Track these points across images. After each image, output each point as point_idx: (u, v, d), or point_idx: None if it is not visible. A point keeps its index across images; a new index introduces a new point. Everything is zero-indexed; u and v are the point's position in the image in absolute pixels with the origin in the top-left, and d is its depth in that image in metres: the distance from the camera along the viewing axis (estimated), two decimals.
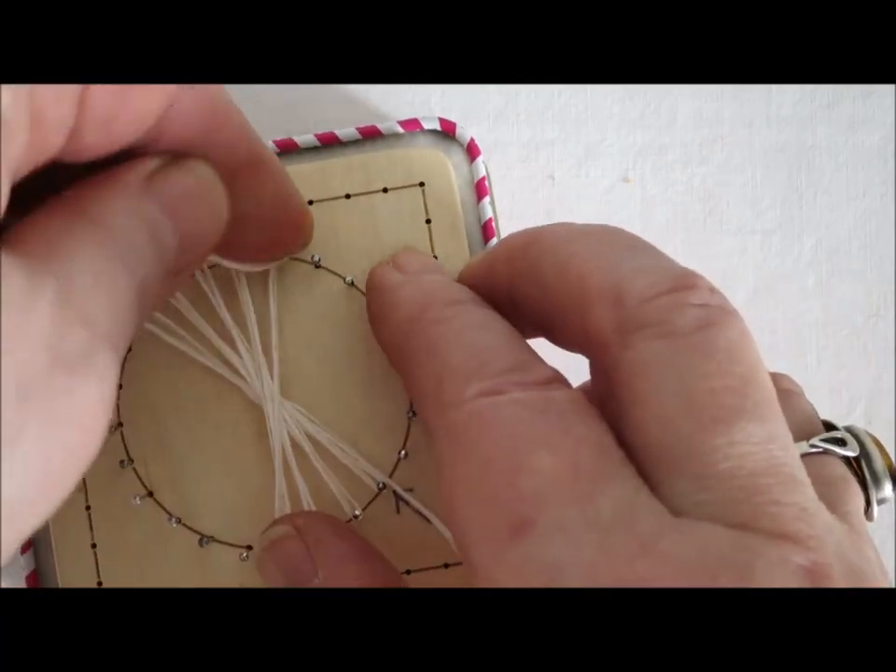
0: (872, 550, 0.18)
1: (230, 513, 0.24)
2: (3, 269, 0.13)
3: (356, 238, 0.24)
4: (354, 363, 0.24)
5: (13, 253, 0.14)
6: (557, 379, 0.18)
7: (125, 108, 0.16)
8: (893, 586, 0.17)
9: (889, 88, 0.31)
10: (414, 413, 0.24)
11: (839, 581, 0.15)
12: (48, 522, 0.24)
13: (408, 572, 0.23)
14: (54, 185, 0.16)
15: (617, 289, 0.17)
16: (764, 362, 0.17)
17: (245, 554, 0.24)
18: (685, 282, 0.17)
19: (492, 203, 0.25)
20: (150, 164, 0.17)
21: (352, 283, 0.24)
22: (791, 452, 0.16)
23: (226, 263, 0.23)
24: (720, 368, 0.16)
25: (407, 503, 0.23)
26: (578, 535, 0.15)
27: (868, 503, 0.21)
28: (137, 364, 0.24)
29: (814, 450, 0.21)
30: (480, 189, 0.25)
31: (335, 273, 0.24)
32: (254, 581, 0.23)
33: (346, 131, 0.25)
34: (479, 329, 0.19)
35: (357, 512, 0.23)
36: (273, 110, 0.29)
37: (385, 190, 0.24)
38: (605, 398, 0.18)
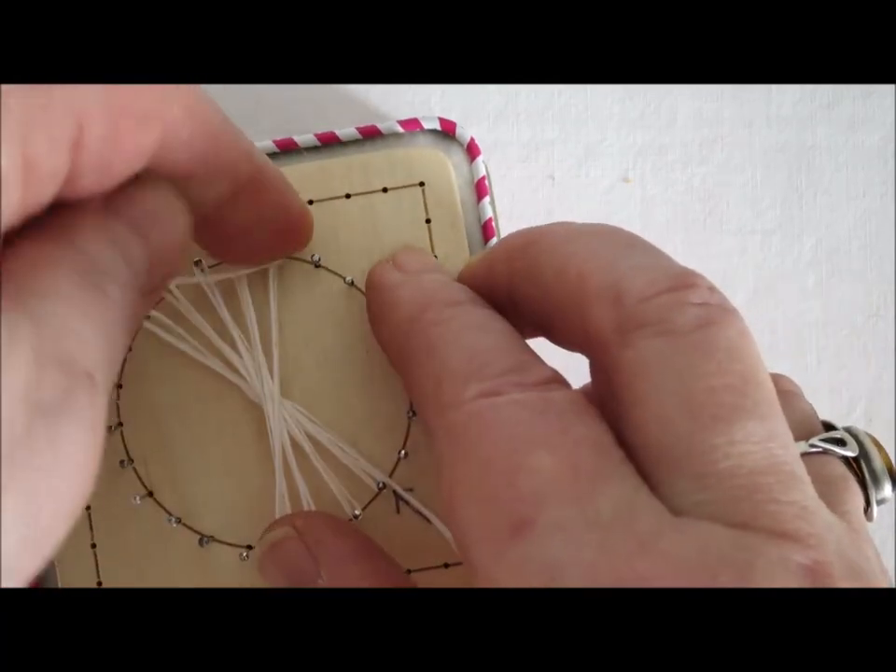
0: (871, 549, 0.18)
1: (230, 513, 0.24)
2: None
3: (356, 238, 0.24)
4: (354, 363, 0.24)
5: None
6: (556, 379, 0.18)
7: (120, 148, 0.15)
8: (893, 585, 0.17)
9: (889, 88, 0.31)
10: (414, 413, 0.24)
11: (839, 579, 0.15)
12: None
13: (408, 572, 0.23)
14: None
15: (616, 288, 0.17)
16: (764, 362, 0.17)
17: (245, 554, 0.24)
18: (685, 281, 0.17)
19: (492, 202, 0.25)
20: None
21: (352, 283, 0.24)
22: (791, 450, 0.16)
23: (226, 264, 0.23)
24: (719, 367, 0.16)
25: (407, 503, 0.23)
26: (577, 534, 0.15)
27: (868, 503, 0.21)
28: (137, 364, 0.24)
29: (813, 450, 0.21)
30: (480, 189, 0.25)
31: (335, 273, 0.24)
32: (254, 581, 0.23)
33: (346, 131, 0.25)
34: (478, 330, 0.19)
35: (357, 512, 0.23)
36: (273, 110, 0.29)
37: (384, 190, 0.24)
38: (605, 398, 0.18)
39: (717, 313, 0.17)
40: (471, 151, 0.25)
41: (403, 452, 0.24)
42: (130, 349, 0.24)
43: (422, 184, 0.24)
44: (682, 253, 0.22)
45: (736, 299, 0.23)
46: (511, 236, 0.21)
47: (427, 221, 0.24)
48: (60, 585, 0.24)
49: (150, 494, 0.24)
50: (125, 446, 0.24)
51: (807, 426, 0.22)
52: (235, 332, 0.24)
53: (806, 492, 0.16)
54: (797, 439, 0.19)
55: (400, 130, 0.25)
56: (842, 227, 0.31)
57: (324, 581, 0.21)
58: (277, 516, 0.23)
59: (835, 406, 0.32)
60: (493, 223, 0.24)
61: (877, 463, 0.21)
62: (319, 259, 0.24)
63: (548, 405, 0.17)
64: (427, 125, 0.25)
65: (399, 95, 0.30)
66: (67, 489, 0.14)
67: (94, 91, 0.15)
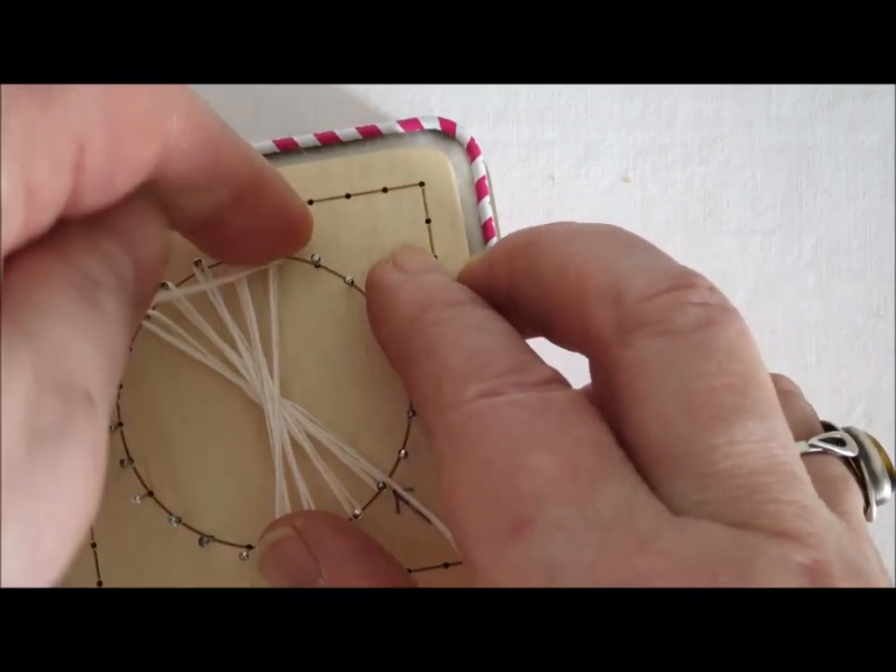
0: (871, 548, 0.18)
1: (230, 513, 0.24)
2: None
3: (356, 238, 0.24)
4: (354, 363, 0.24)
5: None
6: (556, 379, 0.18)
7: (121, 164, 0.15)
8: (893, 585, 0.17)
9: (889, 88, 0.31)
10: (414, 413, 0.24)
11: (839, 578, 0.15)
12: None
13: (408, 572, 0.23)
14: None
15: (616, 288, 0.17)
16: (764, 362, 0.17)
17: (245, 554, 0.24)
18: (685, 280, 0.17)
19: (492, 202, 0.25)
20: None
21: (352, 283, 0.24)
22: (790, 450, 0.16)
23: (226, 264, 0.23)
24: (719, 366, 0.16)
25: (407, 503, 0.23)
26: (577, 534, 0.15)
27: (867, 504, 0.21)
28: (137, 364, 0.24)
29: (813, 450, 0.21)
30: (480, 189, 0.25)
31: (335, 273, 0.24)
32: (254, 581, 0.23)
33: (346, 131, 0.25)
34: (478, 330, 0.19)
35: (357, 512, 0.23)
36: (273, 110, 0.30)
37: (384, 190, 0.24)
38: (605, 398, 0.18)
39: (717, 313, 0.17)
40: (471, 151, 0.25)
41: (403, 452, 0.24)
42: (130, 349, 0.24)
43: (422, 184, 0.24)
44: (682, 253, 0.22)
45: (736, 299, 0.23)
46: (510, 236, 0.21)
47: (427, 221, 0.24)
48: (60, 585, 0.24)
49: (150, 493, 0.24)
50: (125, 446, 0.24)
51: (807, 426, 0.22)
52: (235, 332, 0.24)
53: (806, 492, 0.16)
54: (797, 439, 0.19)
55: (400, 130, 0.25)
56: (842, 227, 0.31)
57: (324, 581, 0.21)
58: (277, 516, 0.23)
59: (835, 406, 0.32)
60: (493, 223, 0.25)
61: (877, 463, 0.21)
62: (319, 259, 0.24)
63: (548, 405, 0.17)
64: (426, 125, 0.25)
65: (399, 95, 0.30)
66: (68, 514, 0.14)
67: (93, 106, 0.14)
